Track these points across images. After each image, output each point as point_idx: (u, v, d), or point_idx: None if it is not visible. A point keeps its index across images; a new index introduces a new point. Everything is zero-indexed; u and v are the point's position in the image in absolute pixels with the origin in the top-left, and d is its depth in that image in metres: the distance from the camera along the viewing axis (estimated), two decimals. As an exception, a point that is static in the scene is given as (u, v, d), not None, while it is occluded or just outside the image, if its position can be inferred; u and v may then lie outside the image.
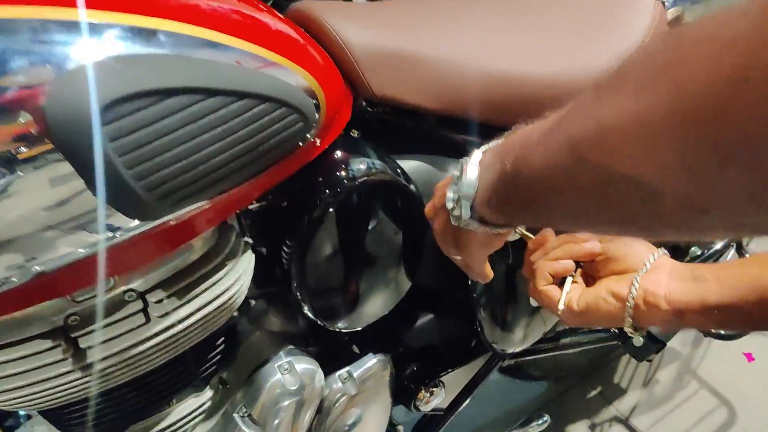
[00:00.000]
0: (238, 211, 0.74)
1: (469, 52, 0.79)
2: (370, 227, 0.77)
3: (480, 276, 0.69)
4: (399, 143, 0.82)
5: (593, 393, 1.64)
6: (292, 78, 0.60)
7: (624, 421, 1.57)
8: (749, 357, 1.70)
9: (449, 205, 0.59)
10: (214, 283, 0.67)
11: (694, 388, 1.62)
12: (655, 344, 1.19)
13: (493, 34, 0.84)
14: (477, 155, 0.56)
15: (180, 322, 0.64)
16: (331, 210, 0.72)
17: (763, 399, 1.55)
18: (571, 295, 0.65)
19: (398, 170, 0.78)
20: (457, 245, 0.64)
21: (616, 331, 1.21)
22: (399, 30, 0.78)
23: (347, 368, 0.89)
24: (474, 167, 0.55)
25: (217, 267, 0.68)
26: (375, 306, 0.84)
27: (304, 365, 0.82)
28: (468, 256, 0.65)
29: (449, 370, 0.98)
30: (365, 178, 0.73)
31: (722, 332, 1.44)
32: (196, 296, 0.66)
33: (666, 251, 0.64)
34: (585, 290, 0.65)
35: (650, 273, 0.61)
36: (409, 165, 0.82)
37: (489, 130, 0.86)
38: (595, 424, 1.57)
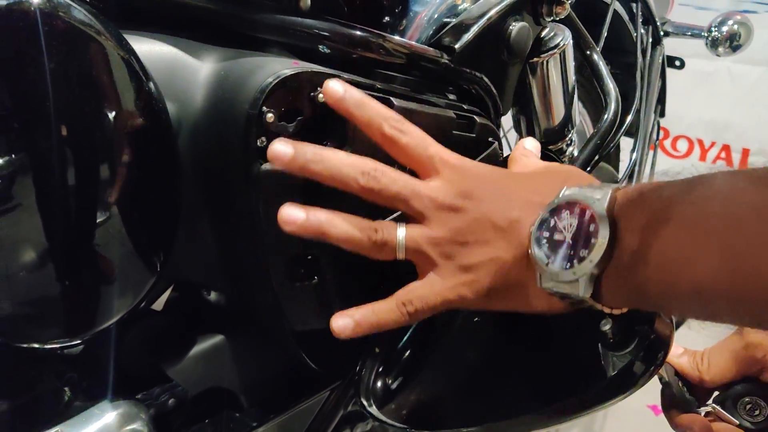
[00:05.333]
0: None
1: None
2: (57, 148, 0.42)
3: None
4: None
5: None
6: None
7: None
8: (655, 410, 1.44)
9: (547, 260, 0.42)
10: None
11: (606, 459, 1.32)
12: None
13: None
14: (604, 197, 0.41)
15: None
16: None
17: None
18: None
19: (123, 44, 0.45)
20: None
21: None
22: None
23: (56, 428, 0.49)
24: (605, 222, 0.40)
25: None
26: (94, 300, 0.47)
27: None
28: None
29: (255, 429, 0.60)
30: (40, 26, 0.39)
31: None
32: None
33: None
34: None
35: None
36: (141, 48, 0.48)
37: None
38: None
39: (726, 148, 2.23)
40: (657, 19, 1.11)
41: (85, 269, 0.46)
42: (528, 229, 0.44)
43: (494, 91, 0.68)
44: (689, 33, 1.28)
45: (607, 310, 0.43)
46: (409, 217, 0.46)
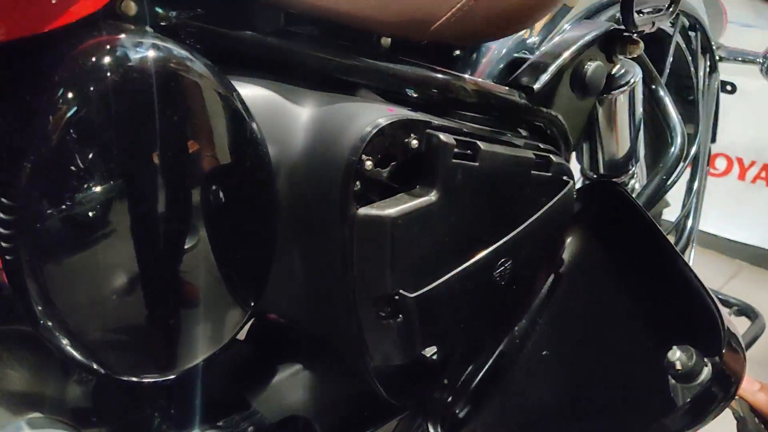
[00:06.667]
0: None
1: None
2: (168, 188, 0.44)
3: None
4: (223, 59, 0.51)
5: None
6: None
7: None
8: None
9: None
10: None
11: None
12: None
13: None
14: None
15: None
16: (83, 135, 0.39)
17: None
18: None
19: (230, 88, 0.47)
20: None
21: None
22: None
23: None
24: None
25: None
26: (192, 337, 0.49)
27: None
28: None
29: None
30: (157, 72, 0.41)
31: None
32: None
33: None
34: None
35: None
36: (245, 92, 0.50)
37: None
38: None
39: (766, 167, 2.20)
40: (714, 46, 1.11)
41: (187, 308, 0.48)
42: None
43: (567, 127, 0.69)
44: (742, 58, 1.27)
45: None
46: None
